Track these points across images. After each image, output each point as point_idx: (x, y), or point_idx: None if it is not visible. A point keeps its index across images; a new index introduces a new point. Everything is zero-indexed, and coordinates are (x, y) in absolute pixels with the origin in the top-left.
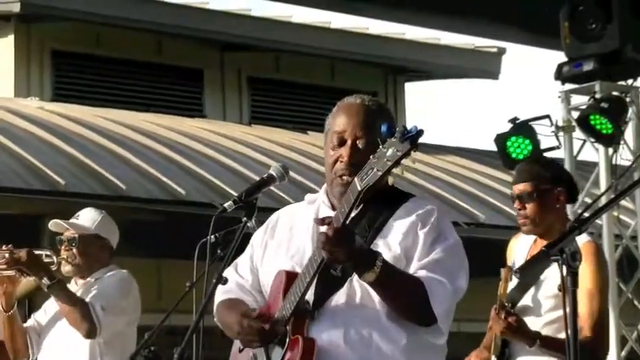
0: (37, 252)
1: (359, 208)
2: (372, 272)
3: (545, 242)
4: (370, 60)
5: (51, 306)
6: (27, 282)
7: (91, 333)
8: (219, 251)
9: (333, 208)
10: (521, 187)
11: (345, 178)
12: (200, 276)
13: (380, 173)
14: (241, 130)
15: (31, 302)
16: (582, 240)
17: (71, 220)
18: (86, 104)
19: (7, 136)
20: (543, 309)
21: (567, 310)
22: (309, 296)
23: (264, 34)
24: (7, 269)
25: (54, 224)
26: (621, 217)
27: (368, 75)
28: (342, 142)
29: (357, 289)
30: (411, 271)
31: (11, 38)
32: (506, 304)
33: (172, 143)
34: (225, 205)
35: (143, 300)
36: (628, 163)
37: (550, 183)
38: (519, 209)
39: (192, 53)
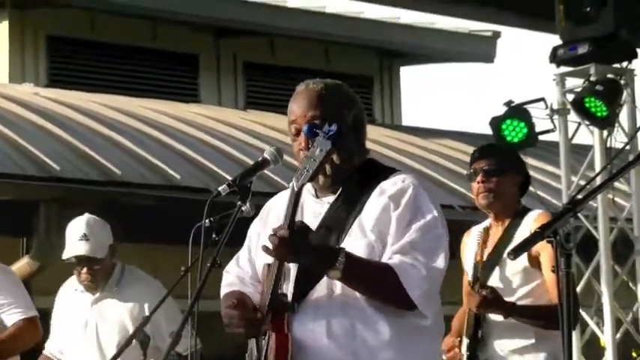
0: None
1: (337, 194)
2: (335, 270)
3: (500, 226)
4: (365, 44)
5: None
6: (19, 268)
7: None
8: (213, 235)
9: (317, 195)
10: (485, 162)
11: None
12: (195, 260)
13: (310, 173)
14: (237, 115)
15: (27, 285)
16: (536, 212)
17: (84, 246)
18: (81, 90)
19: (2, 122)
20: (513, 285)
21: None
22: (290, 289)
23: (260, 19)
24: None
25: (75, 258)
26: (616, 199)
27: (363, 59)
28: (298, 132)
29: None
30: (385, 256)
31: (6, 24)
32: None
33: (167, 128)
34: (220, 188)
35: None
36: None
37: (512, 166)
38: (482, 182)
39: (187, 38)
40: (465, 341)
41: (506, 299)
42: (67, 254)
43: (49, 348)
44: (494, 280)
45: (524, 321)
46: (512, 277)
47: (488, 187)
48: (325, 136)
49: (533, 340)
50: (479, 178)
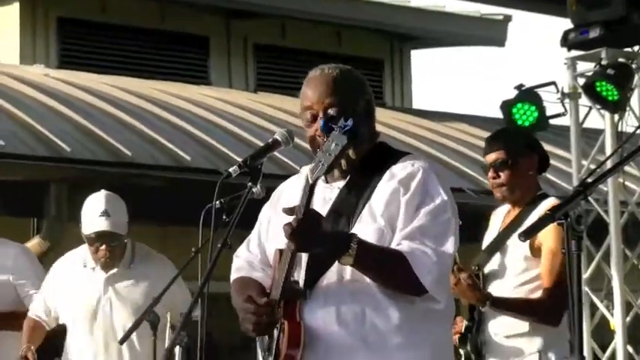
0: None
1: (347, 179)
2: (348, 256)
3: (517, 211)
4: (376, 27)
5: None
6: (31, 247)
7: None
8: (224, 217)
9: (327, 180)
10: (493, 156)
11: None
12: (205, 242)
13: (326, 167)
14: (247, 97)
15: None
16: (551, 201)
17: (107, 222)
18: (92, 71)
19: (13, 103)
20: (513, 272)
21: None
22: (301, 276)
23: (271, 1)
24: None
25: (95, 234)
26: (627, 183)
27: (374, 42)
28: (314, 117)
29: (347, 266)
30: (395, 242)
31: (17, 5)
32: (472, 267)
33: (178, 110)
34: (230, 170)
35: None
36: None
37: (523, 150)
38: (493, 178)
39: (198, 20)
40: (465, 323)
41: (503, 285)
42: (88, 230)
43: (34, 310)
44: (492, 265)
45: (502, 313)
46: (512, 264)
47: (500, 182)
48: (341, 131)
49: (527, 328)
50: (490, 174)
